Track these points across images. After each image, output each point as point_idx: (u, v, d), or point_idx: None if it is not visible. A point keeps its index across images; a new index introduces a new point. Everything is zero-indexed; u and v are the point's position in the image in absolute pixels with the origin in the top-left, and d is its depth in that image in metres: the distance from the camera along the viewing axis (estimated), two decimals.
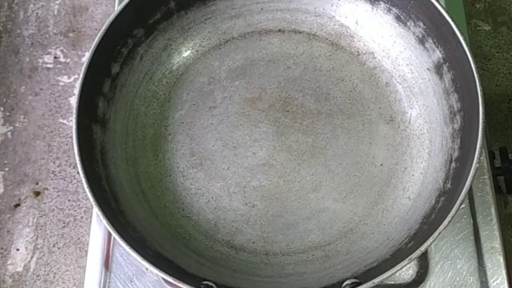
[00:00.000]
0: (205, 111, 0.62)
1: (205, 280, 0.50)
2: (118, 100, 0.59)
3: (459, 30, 0.53)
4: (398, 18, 0.60)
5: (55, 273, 0.70)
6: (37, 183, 0.75)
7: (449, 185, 0.52)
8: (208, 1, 0.63)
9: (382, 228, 0.56)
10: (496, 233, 0.57)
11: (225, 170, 0.59)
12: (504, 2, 0.88)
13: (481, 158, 0.59)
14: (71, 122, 0.53)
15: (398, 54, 0.62)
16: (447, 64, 0.56)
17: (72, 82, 0.82)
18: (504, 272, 0.56)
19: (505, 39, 0.85)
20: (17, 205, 0.74)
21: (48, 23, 0.86)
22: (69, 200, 0.74)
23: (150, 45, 0.62)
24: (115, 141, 0.58)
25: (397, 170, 0.58)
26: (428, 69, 0.59)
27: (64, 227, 0.73)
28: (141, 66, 0.62)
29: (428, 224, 0.51)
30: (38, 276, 0.71)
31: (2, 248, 0.72)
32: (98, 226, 0.60)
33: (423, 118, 0.60)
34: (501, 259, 0.56)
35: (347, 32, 0.64)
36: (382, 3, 0.61)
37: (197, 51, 0.65)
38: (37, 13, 0.87)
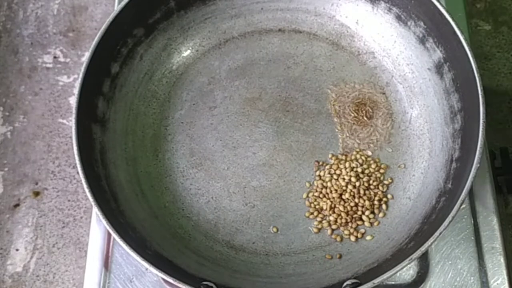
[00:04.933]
0: (205, 111, 0.62)
1: (205, 280, 0.50)
2: (117, 100, 0.59)
3: (460, 29, 0.53)
4: (398, 17, 0.60)
5: (54, 273, 0.70)
6: (36, 183, 0.75)
7: (449, 185, 0.52)
8: (208, 1, 0.63)
9: (383, 228, 0.56)
10: (497, 233, 0.57)
11: (225, 170, 0.59)
12: (504, 2, 0.88)
13: (482, 158, 0.59)
14: (71, 122, 0.53)
15: (399, 53, 0.62)
16: (447, 64, 0.56)
17: (72, 82, 0.82)
18: (504, 272, 0.56)
19: (506, 39, 0.85)
20: (17, 205, 0.74)
21: (48, 23, 0.86)
22: (69, 200, 0.74)
23: (150, 45, 0.62)
24: (114, 141, 0.58)
25: (397, 170, 0.58)
26: (428, 68, 0.59)
27: (63, 227, 0.72)
28: (141, 66, 0.62)
29: (429, 224, 0.51)
30: (37, 276, 0.70)
31: (1, 249, 0.72)
32: (98, 226, 0.60)
33: (423, 118, 0.59)
34: (501, 260, 0.56)
35: (347, 31, 0.64)
36: (382, 2, 0.61)
37: (197, 50, 0.65)
38: (36, 13, 0.87)
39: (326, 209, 0.56)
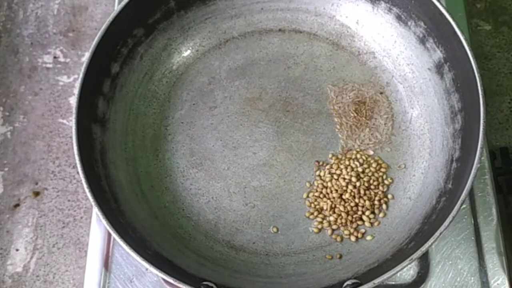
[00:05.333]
0: (205, 111, 0.62)
1: (205, 280, 0.50)
2: (118, 100, 0.59)
3: (460, 29, 0.53)
4: (398, 17, 0.60)
5: (54, 274, 0.70)
6: (36, 183, 0.75)
7: (450, 185, 0.52)
8: (208, 1, 0.63)
9: (383, 228, 0.56)
10: (497, 233, 0.57)
11: (225, 170, 0.59)
12: (504, 2, 0.88)
13: (482, 158, 0.59)
14: (71, 122, 0.53)
15: (399, 53, 0.62)
16: (448, 64, 0.56)
17: (72, 82, 0.82)
18: (505, 272, 0.56)
19: (506, 39, 0.85)
20: (17, 205, 0.74)
21: (48, 23, 0.86)
22: (69, 200, 0.74)
23: (150, 45, 0.62)
24: (114, 141, 0.58)
25: (398, 170, 0.58)
26: (429, 68, 0.59)
27: (63, 227, 0.72)
28: (141, 66, 0.62)
29: (429, 225, 0.51)
30: (37, 276, 0.70)
31: (1, 249, 0.72)
32: (98, 227, 0.60)
33: (424, 118, 0.59)
34: (502, 260, 0.56)
35: (347, 31, 0.64)
36: (382, 2, 0.61)
37: (197, 50, 0.65)
38: (36, 13, 0.87)
39: (326, 209, 0.56)
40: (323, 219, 0.56)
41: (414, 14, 0.58)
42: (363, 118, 0.61)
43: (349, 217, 0.56)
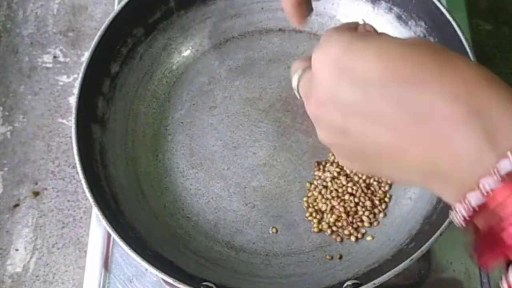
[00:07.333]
0: (205, 111, 0.62)
1: (205, 281, 0.50)
2: (117, 99, 0.59)
3: (461, 29, 0.53)
4: (399, 17, 0.60)
5: (54, 274, 0.70)
6: (36, 183, 0.75)
7: None
8: (208, 1, 0.63)
9: (383, 228, 0.55)
10: None
11: (225, 170, 0.59)
12: (505, 2, 0.88)
13: None
14: (71, 122, 0.52)
15: None
16: None
17: (72, 82, 0.81)
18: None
19: (507, 39, 0.85)
20: (16, 205, 0.74)
21: (48, 23, 0.85)
22: (69, 200, 0.74)
23: (149, 45, 0.62)
24: (114, 141, 0.58)
25: None
26: None
27: (63, 227, 0.72)
28: (140, 66, 0.62)
29: (429, 225, 0.51)
30: (37, 276, 0.70)
31: (1, 249, 0.72)
32: (98, 227, 0.60)
33: None
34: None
35: None
36: (383, 2, 0.61)
37: (197, 50, 0.65)
38: (36, 13, 0.87)
39: (326, 210, 0.56)
40: (323, 219, 0.56)
41: (415, 14, 0.58)
42: None
43: (349, 218, 0.55)
